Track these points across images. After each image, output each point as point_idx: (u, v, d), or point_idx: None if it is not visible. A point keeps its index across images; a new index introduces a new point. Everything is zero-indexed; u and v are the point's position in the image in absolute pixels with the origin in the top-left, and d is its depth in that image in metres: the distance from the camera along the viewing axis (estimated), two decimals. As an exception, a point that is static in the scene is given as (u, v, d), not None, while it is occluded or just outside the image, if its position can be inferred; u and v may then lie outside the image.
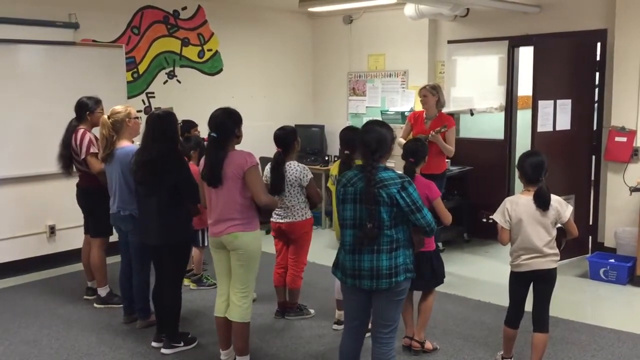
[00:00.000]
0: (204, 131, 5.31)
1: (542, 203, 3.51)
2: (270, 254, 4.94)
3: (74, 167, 5.01)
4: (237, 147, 3.76)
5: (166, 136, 4.00)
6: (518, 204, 3.58)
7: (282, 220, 4.54)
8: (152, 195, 4.02)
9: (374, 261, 3.06)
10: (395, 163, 7.06)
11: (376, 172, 3.05)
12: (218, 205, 3.71)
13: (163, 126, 4.03)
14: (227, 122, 3.68)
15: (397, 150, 6.69)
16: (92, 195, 4.90)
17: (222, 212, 3.70)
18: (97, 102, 5.01)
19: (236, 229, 3.67)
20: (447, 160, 6.04)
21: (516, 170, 3.71)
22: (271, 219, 4.57)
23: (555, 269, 3.62)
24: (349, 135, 4.28)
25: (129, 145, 4.43)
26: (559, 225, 3.59)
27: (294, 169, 4.49)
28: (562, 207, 3.56)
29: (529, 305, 3.73)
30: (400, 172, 3.94)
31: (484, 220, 3.81)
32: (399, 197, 3.00)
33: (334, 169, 4.41)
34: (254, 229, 3.74)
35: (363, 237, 3.05)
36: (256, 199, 3.65)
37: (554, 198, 3.56)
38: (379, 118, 7.39)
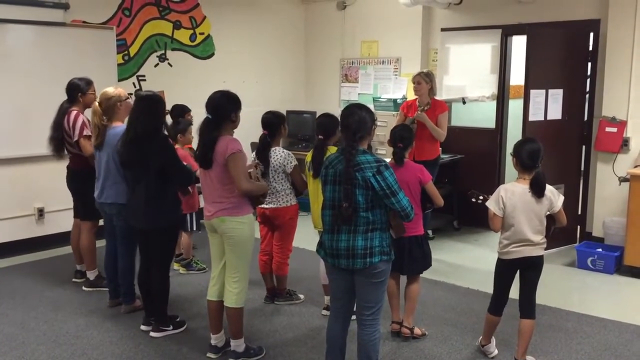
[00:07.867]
0: (196, 116, 5.32)
1: (538, 190, 3.52)
2: (258, 239, 4.93)
3: (66, 149, 4.97)
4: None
5: (150, 115, 3.98)
6: (514, 193, 3.57)
7: (267, 206, 4.49)
8: (141, 179, 4.00)
9: (350, 241, 3.13)
10: (386, 151, 7.09)
11: (355, 154, 3.09)
12: (208, 188, 3.73)
13: (148, 105, 4.02)
14: (223, 105, 3.64)
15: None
16: (82, 178, 4.86)
17: (210, 195, 3.72)
18: (89, 83, 4.97)
19: (223, 213, 3.66)
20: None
21: (511, 157, 3.67)
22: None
23: (542, 256, 3.65)
24: (323, 120, 4.34)
25: (119, 125, 4.40)
26: (549, 213, 3.61)
27: (279, 155, 4.46)
28: (554, 196, 3.59)
29: (513, 293, 3.75)
30: (389, 159, 3.94)
31: (473, 200, 3.79)
32: (374, 180, 3.04)
33: (308, 156, 4.39)
34: (242, 214, 3.70)
35: (338, 216, 3.12)
36: (236, 186, 3.60)
37: (548, 188, 3.57)
38: (371, 105, 7.39)
